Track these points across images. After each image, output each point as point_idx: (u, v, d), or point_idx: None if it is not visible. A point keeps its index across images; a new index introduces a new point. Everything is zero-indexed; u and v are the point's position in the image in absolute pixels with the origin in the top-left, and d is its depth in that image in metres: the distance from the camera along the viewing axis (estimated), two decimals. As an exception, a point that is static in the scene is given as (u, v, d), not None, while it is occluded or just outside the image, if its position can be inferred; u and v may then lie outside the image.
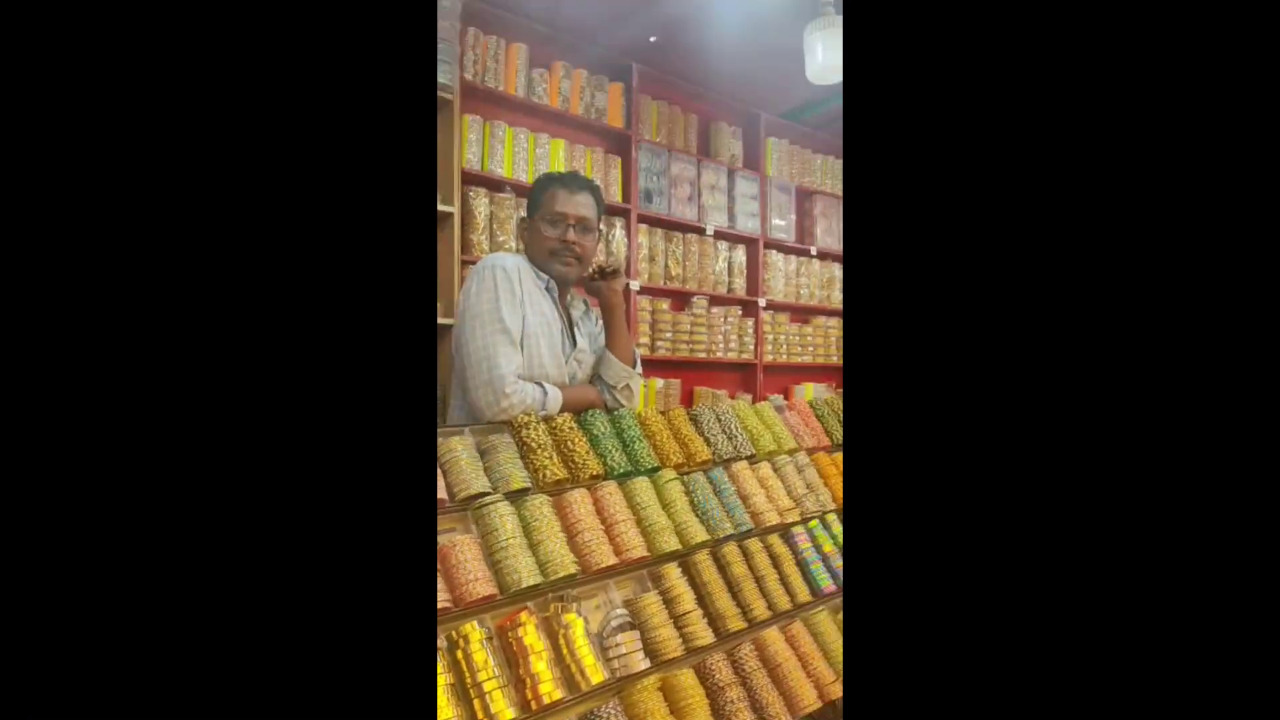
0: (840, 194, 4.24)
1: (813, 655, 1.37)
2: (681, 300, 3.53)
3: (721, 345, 3.56)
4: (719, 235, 3.63)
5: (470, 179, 2.76)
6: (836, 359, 4.13)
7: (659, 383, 3.30)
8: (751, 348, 3.69)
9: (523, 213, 2.07)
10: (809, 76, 2.05)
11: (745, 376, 3.78)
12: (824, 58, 1.95)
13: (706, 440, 1.72)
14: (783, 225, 3.91)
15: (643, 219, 3.31)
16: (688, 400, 3.52)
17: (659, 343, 3.30)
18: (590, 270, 1.79)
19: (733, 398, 3.58)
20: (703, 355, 3.46)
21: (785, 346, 3.86)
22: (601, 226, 1.85)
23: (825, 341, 4.08)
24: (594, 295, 1.82)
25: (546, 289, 1.67)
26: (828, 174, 4.20)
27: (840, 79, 2.06)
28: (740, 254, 3.75)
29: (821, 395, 2.41)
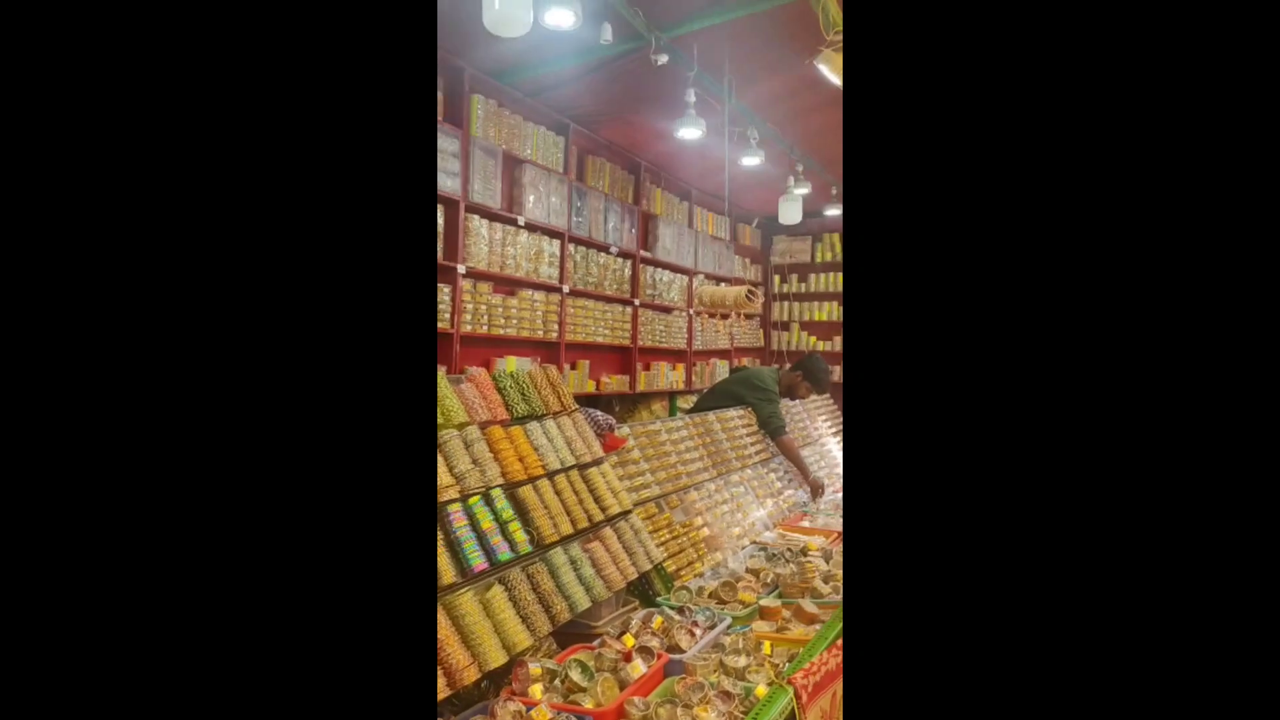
0: (554, 169, 4.27)
1: (448, 640, 1.31)
2: (367, 260, 3.21)
3: (415, 313, 3.33)
4: (415, 192, 3.38)
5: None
6: (543, 333, 4.17)
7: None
8: (448, 316, 3.53)
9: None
10: (486, 25, 1.96)
11: (441, 346, 3.60)
12: (500, 6, 1.87)
13: (354, 413, 1.55)
14: (487, 190, 3.79)
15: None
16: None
17: (335, 306, 2.96)
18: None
19: (426, 370, 3.38)
20: (390, 323, 3.20)
21: (487, 317, 3.77)
22: None
23: (532, 315, 4.09)
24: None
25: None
26: (540, 145, 4.19)
27: (522, 33, 2.00)
28: (438, 216, 3.55)
29: (525, 369, 2.40)
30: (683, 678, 1.46)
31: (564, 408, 2.35)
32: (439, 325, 3.47)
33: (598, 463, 2.31)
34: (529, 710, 1.27)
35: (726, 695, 1.36)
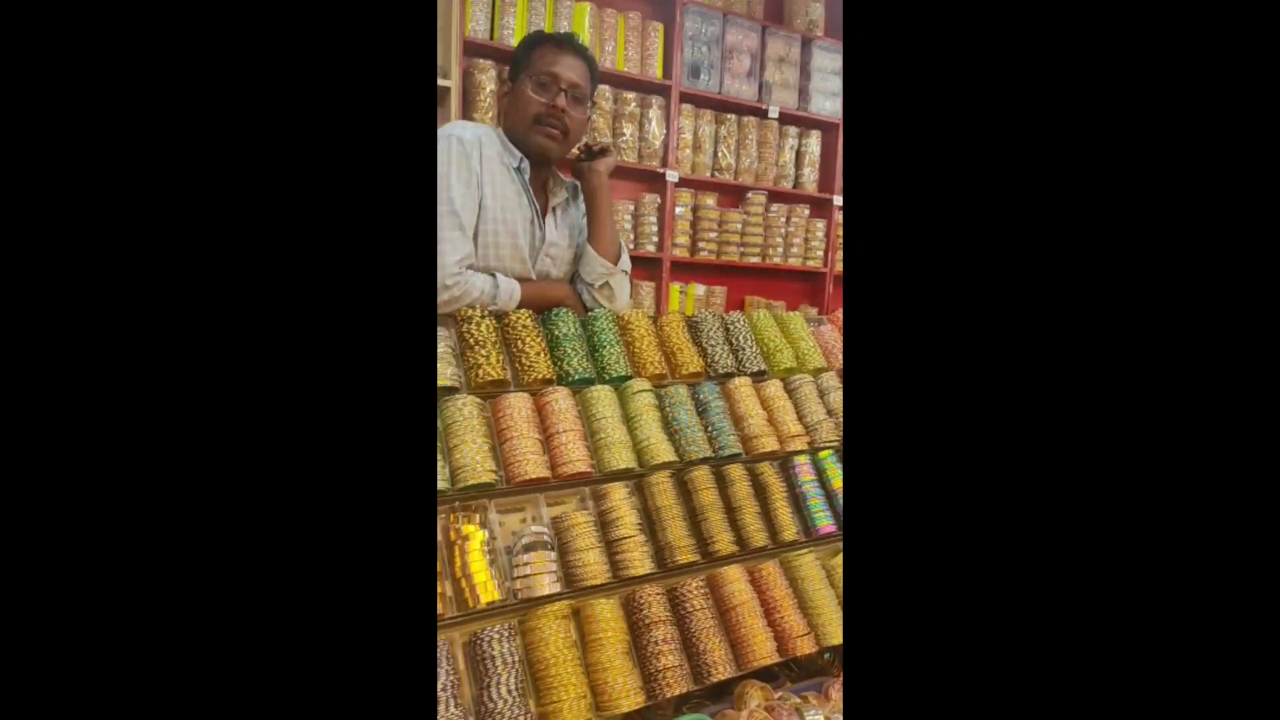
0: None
1: (782, 602, 1.31)
2: (733, 195, 3.34)
3: (782, 249, 3.37)
4: (786, 119, 3.37)
5: (474, 49, 2.67)
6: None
7: (699, 289, 3.19)
8: (820, 254, 3.48)
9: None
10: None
11: (812, 287, 3.58)
12: None
13: (703, 350, 1.64)
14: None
15: (687, 98, 3.11)
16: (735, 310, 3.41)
17: (700, 244, 3.17)
18: (575, 149, 1.70)
19: (794, 310, 3.43)
20: (756, 260, 3.29)
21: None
22: (595, 99, 1.75)
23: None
24: (577, 178, 1.74)
25: (517, 169, 1.60)
26: None
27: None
28: (814, 142, 3.48)
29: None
30: None
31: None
32: (809, 264, 3.44)
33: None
34: None
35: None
